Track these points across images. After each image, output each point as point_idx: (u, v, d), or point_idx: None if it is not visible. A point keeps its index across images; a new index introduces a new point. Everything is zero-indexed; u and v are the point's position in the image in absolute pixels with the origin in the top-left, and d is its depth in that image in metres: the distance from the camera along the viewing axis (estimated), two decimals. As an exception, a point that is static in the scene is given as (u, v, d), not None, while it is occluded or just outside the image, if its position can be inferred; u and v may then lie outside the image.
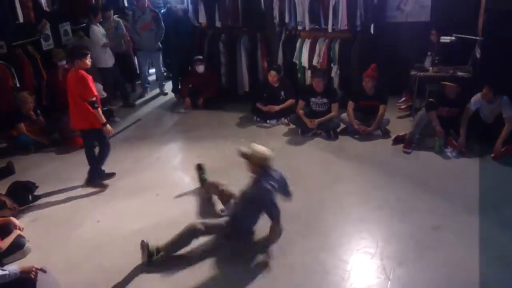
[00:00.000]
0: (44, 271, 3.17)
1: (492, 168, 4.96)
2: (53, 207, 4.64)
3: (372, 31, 6.80)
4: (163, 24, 7.53)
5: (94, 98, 4.63)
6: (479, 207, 4.19)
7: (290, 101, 6.52)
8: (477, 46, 5.91)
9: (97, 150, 4.98)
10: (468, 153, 5.24)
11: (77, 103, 4.63)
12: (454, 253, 3.60)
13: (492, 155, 5.11)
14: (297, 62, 6.89)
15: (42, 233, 4.18)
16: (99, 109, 4.68)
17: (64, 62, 6.42)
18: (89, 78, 4.64)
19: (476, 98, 5.28)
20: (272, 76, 6.46)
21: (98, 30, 7.03)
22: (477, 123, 5.39)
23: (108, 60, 7.15)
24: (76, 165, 5.50)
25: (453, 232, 3.85)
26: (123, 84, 7.74)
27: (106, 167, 5.12)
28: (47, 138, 6.16)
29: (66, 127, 5.96)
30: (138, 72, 8.26)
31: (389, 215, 4.12)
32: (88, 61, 4.65)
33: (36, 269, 3.14)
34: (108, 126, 4.80)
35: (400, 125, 6.08)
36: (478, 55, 5.86)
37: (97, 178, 4.98)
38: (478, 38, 5.82)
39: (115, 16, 7.71)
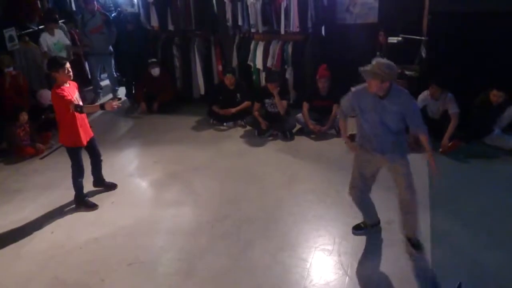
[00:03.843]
0: None
1: (440, 162, 5.12)
2: (2, 219, 4.43)
3: (323, 32, 6.95)
4: (114, 27, 7.39)
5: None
6: (429, 200, 4.37)
7: (246, 103, 6.54)
8: (422, 45, 6.17)
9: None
10: (417, 149, 5.43)
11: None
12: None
13: (440, 150, 5.33)
14: (251, 64, 6.94)
15: (-10, 248, 4.00)
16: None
17: (11, 69, 6.18)
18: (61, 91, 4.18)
19: (423, 95, 5.50)
20: (229, 78, 6.47)
21: (49, 39, 6.77)
22: (425, 120, 5.59)
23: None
24: (26, 175, 5.32)
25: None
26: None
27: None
28: (-6, 148, 5.89)
29: (15, 135, 5.74)
30: (89, 77, 8.04)
31: (345, 212, 4.22)
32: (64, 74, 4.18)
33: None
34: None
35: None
36: (423, 54, 6.12)
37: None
38: (423, 38, 6.07)
39: (61, 21, 7.46)
